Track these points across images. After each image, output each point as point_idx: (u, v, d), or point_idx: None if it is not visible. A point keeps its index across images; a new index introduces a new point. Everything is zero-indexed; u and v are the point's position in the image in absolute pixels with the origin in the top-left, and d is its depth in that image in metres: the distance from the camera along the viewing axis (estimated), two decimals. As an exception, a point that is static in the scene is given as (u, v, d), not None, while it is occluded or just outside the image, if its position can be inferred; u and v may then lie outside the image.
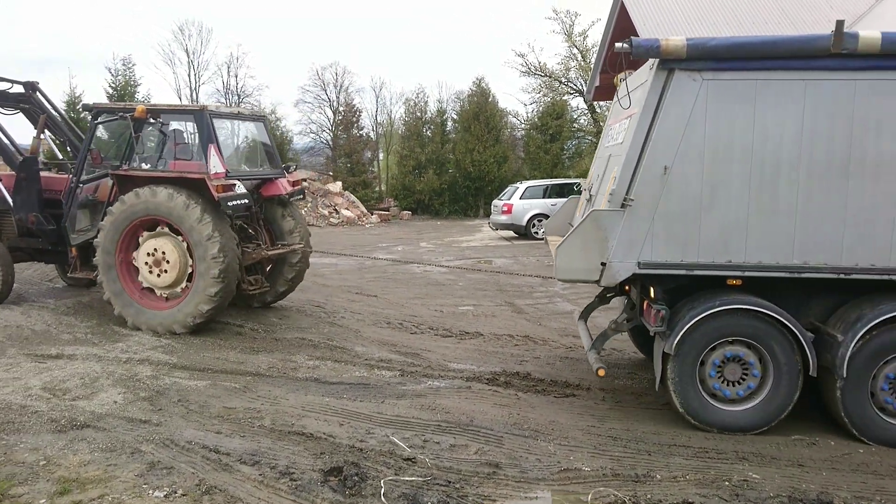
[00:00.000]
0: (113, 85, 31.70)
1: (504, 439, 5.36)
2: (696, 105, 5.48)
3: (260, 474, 4.59)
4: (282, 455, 4.89)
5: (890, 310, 5.40)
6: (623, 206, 5.64)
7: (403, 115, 38.04)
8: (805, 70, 5.38)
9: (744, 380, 5.77)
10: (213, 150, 8.23)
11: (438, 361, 7.51)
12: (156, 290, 8.45)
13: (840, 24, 5.25)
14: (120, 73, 31.95)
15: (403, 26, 77.32)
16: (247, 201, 8.42)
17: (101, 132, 9.42)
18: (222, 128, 9.14)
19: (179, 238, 8.24)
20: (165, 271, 8.29)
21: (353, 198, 29.64)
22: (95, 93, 40.74)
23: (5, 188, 9.52)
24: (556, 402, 6.43)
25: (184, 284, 8.32)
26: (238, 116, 9.70)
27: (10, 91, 10.08)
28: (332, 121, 42.68)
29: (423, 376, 7.00)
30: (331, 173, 35.73)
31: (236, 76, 49.28)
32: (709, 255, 5.61)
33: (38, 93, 10.23)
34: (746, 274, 5.62)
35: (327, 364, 7.31)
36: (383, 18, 76.69)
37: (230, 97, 48.80)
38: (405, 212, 33.07)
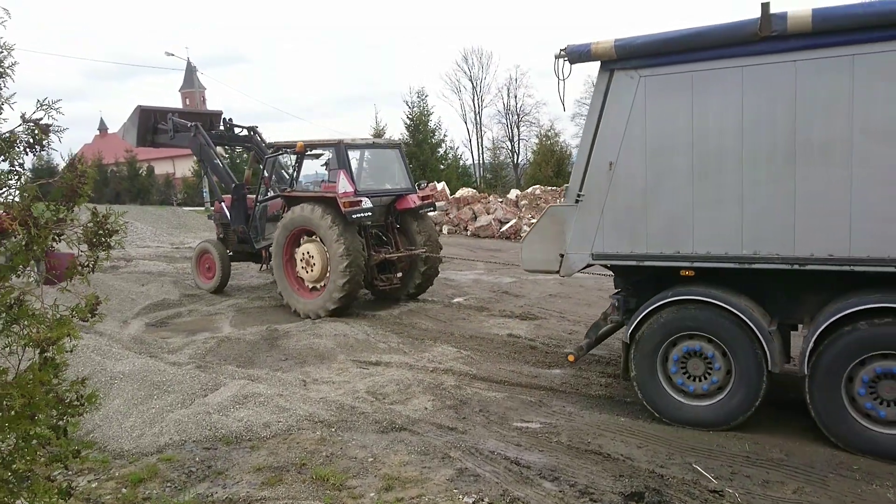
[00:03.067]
0: (410, 116, 35.05)
1: (828, 480, 4.75)
2: (636, 101, 5.65)
3: (560, 491, 4.65)
4: (580, 473, 4.91)
5: (857, 304, 4.96)
6: (577, 200, 6.00)
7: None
8: (739, 57, 5.25)
9: (708, 375, 5.72)
10: (342, 175, 10.27)
11: (741, 385, 6.93)
12: (307, 283, 10.69)
13: (765, 6, 5.05)
14: (415, 104, 35.23)
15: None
16: (370, 213, 10.33)
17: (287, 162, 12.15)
18: (367, 155, 11.55)
19: (322, 244, 10.33)
20: (313, 269, 10.44)
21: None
22: (396, 125, 45.78)
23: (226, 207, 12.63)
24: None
25: (325, 280, 10.36)
26: (374, 145, 11.89)
27: (241, 134, 13.66)
28: (610, 132, 42.26)
29: (725, 401, 6.51)
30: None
31: (515, 97, 51.54)
32: (657, 247, 5.74)
33: (256, 135, 13.58)
34: (696, 265, 5.65)
35: (620, 382, 7.18)
36: (659, 20, 74.13)
37: (510, 117, 51.06)
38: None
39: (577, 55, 5.83)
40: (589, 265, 6.13)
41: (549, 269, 6.27)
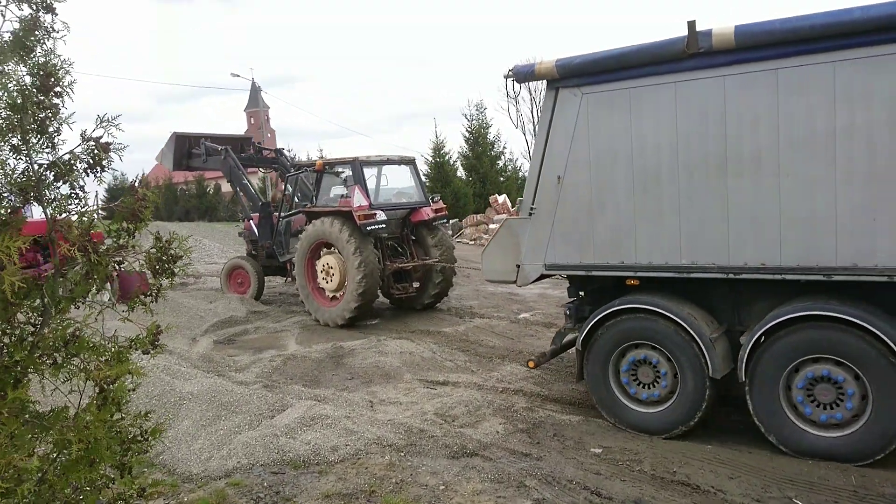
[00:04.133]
0: (469, 129, 34.89)
1: (953, 519, 4.25)
2: (579, 118, 5.85)
3: (647, 526, 4.30)
4: (668, 507, 4.54)
5: (790, 311, 5.11)
6: (530, 214, 6.22)
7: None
8: (672, 73, 5.37)
9: (657, 382, 5.89)
10: (356, 190, 10.83)
11: (838, 408, 6.39)
12: (327, 293, 11.23)
13: (691, 24, 5.15)
14: (474, 118, 35.02)
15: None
16: (384, 226, 10.92)
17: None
18: (383, 172, 12.04)
19: (340, 255, 10.85)
20: (332, 279, 11.01)
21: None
22: (455, 138, 45.70)
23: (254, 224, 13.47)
24: None
25: (343, 289, 10.91)
26: (387, 162, 12.17)
27: (268, 157, 14.60)
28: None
29: (822, 426, 6.00)
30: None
31: (576, 106, 50.83)
32: (603, 257, 5.93)
33: (282, 156, 14.54)
34: (639, 274, 5.83)
35: (702, 404, 6.73)
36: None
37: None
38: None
39: (522, 75, 6.14)
40: (543, 275, 6.37)
41: (508, 280, 6.52)
